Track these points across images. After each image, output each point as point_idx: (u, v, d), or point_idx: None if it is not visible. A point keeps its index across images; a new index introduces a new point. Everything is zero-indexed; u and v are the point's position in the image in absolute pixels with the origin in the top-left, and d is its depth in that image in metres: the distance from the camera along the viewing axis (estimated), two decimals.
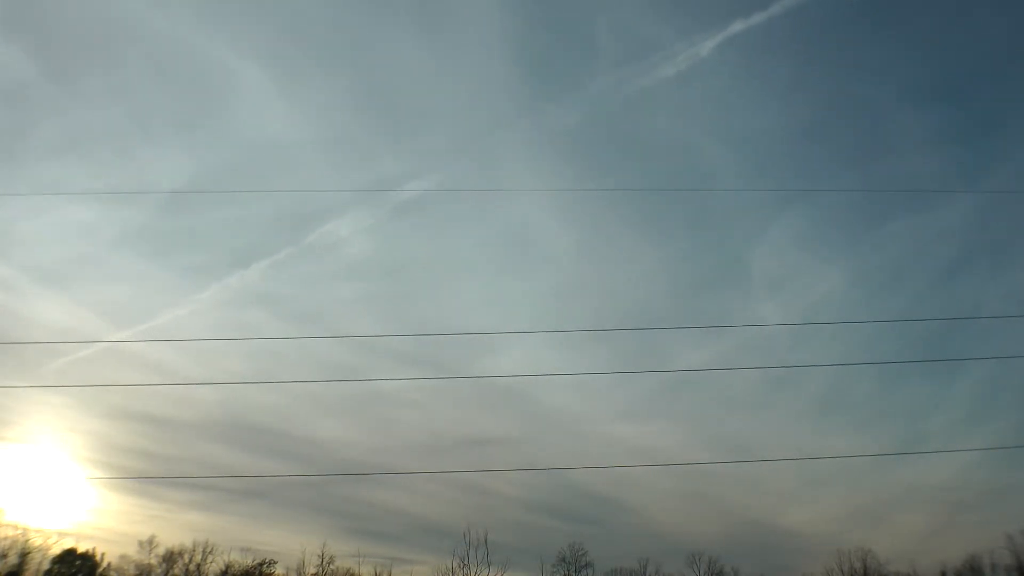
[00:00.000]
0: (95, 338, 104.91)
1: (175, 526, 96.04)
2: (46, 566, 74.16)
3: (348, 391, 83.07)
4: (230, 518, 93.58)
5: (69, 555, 76.66)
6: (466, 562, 77.97)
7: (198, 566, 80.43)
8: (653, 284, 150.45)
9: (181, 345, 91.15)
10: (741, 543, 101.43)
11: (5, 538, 71.30)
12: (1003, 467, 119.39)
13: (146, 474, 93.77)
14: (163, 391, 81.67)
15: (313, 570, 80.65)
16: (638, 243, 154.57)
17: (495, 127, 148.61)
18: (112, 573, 78.56)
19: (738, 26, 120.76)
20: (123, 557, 79.16)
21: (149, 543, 79.15)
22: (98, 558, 78.62)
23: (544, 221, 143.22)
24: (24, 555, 72.01)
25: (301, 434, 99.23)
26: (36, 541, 72.98)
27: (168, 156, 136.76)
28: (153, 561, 79.57)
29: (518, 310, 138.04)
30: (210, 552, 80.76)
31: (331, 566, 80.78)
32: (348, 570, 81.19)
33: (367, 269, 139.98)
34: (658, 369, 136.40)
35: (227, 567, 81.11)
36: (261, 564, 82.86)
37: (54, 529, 75.65)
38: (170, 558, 79.72)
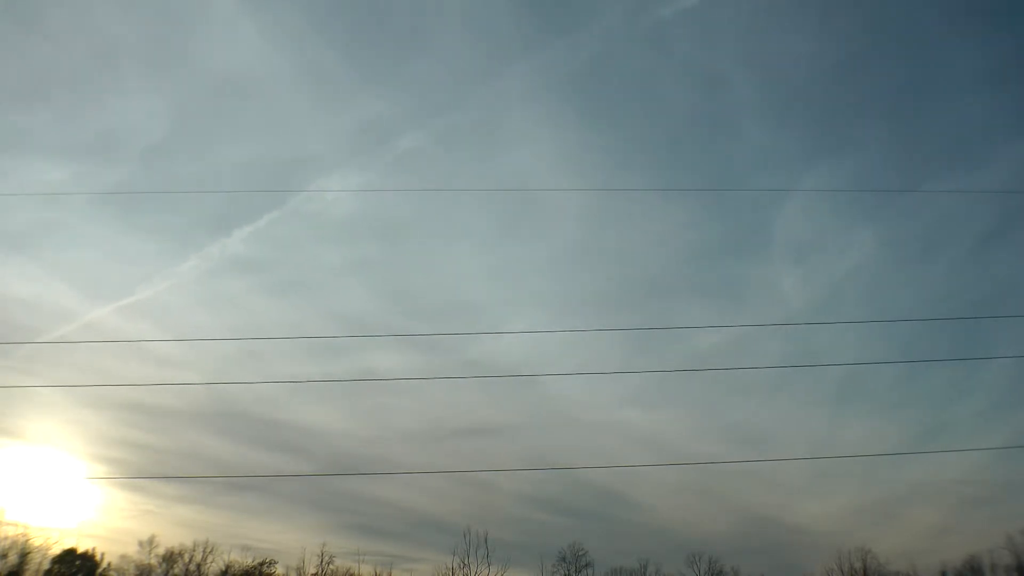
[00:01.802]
0: (72, 312, 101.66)
1: (168, 521, 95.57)
2: (46, 566, 74.13)
3: (339, 372, 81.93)
4: (224, 513, 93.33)
5: (69, 555, 76.64)
6: (466, 562, 78.13)
7: (198, 566, 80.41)
8: (665, 250, 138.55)
9: (161, 320, 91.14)
10: (747, 540, 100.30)
11: (5, 538, 71.31)
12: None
13: (138, 468, 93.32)
14: (145, 373, 78.95)
15: (313, 570, 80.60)
16: (651, 201, 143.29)
17: (494, 67, 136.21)
18: (112, 573, 78.59)
19: None
20: (123, 557, 79.26)
21: (149, 543, 79.20)
22: (98, 558, 78.68)
23: (549, 176, 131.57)
24: (24, 555, 72.02)
25: (292, 421, 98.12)
26: (36, 541, 72.92)
27: (140, 102, 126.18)
28: (153, 561, 79.62)
29: (521, 279, 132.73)
30: (210, 552, 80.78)
31: (330, 566, 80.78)
32: (348, 570, 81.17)
33: (356, 232, 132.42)
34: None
35: (227, 567, 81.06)
36: (261, 564, 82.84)
37: (53, 527, 75.62)
38: (170, 558, 79.75)
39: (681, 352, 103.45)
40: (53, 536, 74.67)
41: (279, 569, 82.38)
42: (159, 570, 79.40)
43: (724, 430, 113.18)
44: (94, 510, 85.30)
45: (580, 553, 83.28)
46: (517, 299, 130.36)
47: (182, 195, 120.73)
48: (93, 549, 78.66)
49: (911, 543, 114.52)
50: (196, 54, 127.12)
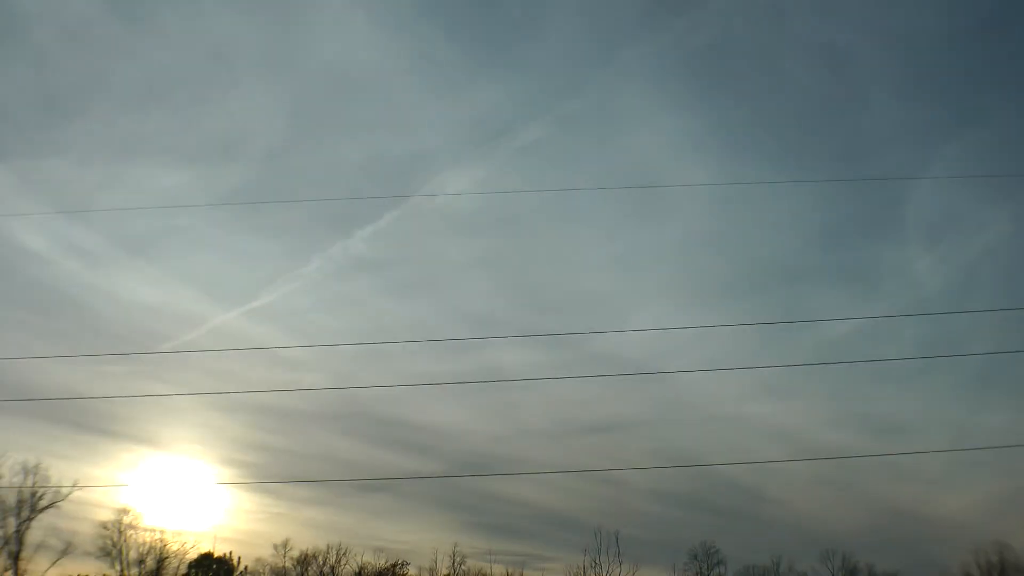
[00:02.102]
0: (198, 317, 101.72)
1: (299, 524, 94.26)
2: (183, 570, 74.10)
3: (465, 370, 77.57)
4: (354, 514, 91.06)
5: (206, 559, 76.48)
6: (597, 561, 73.93)
7: (332, 568, 78.32)
8: (793, 233, 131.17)
9: (287, 323, 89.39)
10: (881, 535, 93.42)
11: (143, 543, 71.69)
12: None
13: (268, 470, 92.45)
14: (273, 376, 77.68)
15: (445, 571, 76.46)
16: (779, 180, 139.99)
17: (610, 49, 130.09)
18: None
19: None
20: (258, 560, 78.37)
21: (284, 546, 77.84)
22: (235, 562, 78.12)
23: (671, 159, 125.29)
24: (162, 559, 72.15)
25: (419, 421, 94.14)
26: (173, 546, 73.00)
27: (256, 102, 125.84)
28: (288, 564, 78.21)
29: (645, 267, 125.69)
30: (343, 554, 78.61)
31: (463, 566, 76.32)
32: (480, 570, 76.43)
33: (478, 227, 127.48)
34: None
35: (360, 569, 78.50)
36: (394, 566, 79.76)
37: (188, 532, 75.47)
38: (304, 560, 78.13)
39: (812, 340, 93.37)
40: (189, 540, 74.51)
41: (411, 570, 78.94)
42: (294, 573, 77.89)
43: (858, 420, 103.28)
44: (225, 514, 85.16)
45: (712, 551, 79.18)
46: (642, 289, 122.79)
47: (303, 195, 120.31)
48: (229, 553, 78.26)
49: None
50: (309, 50, 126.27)
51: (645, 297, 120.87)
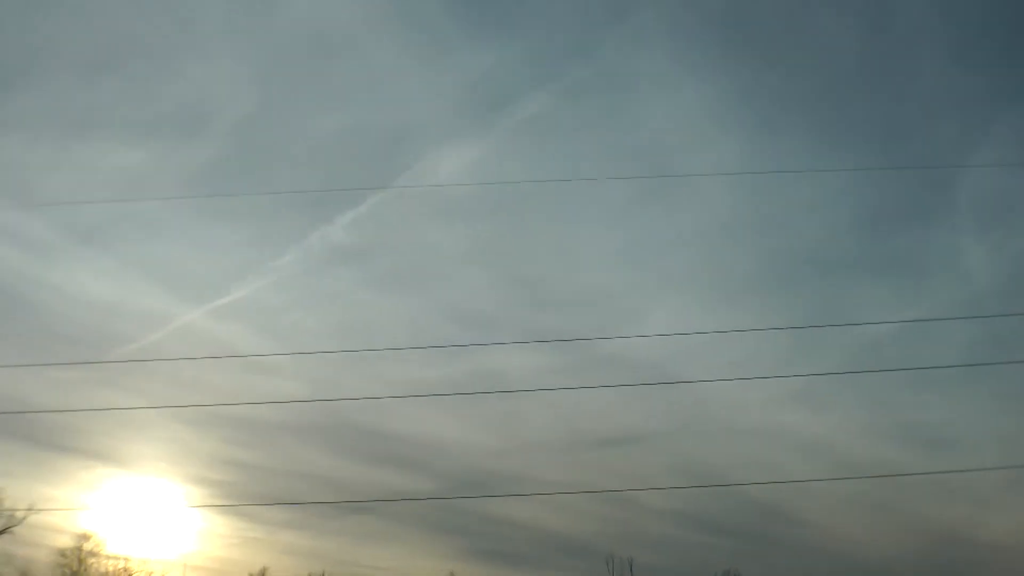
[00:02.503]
0: (161, 315, 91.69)
1: (276, 550, 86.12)
2: None
3: (460, 377, 69.59)
4: (337, 538, 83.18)
5: None
6: None
7: None
8: (827, 217, 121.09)
9: (260, 322, 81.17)
10: (928, 560, 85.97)
11: (106, 573, 64.57)
12: None
13: (240, 489, 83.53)
14: (246, 382, 69.24)
15: None
16: (810, 158, 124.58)
17: (623, 4, 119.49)
18: None
19: None
20: None
21: None
22: None
23: (690, 131, 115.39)
24: None
25: (408, 432, 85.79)
26: (139, 573, 65.88)
27: (223, 68, 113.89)
28: None
29: (661, 257, 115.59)
30: None
31: None
32: None
33: (473, 212, 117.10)
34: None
35: None
36: None
37: (156, 559, 68.08)
38: None
39: (850, 341, 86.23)
40: (156, 571, 67.20)
41: None
42: None
43: (901, 431, 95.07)
44: (196, 538, 77.41)
45: None
46: (657, 281, 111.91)
47: (276, 175, 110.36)
48: None
49: None
50: (279, 8, 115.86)
51: (661, 291, 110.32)
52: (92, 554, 63.73)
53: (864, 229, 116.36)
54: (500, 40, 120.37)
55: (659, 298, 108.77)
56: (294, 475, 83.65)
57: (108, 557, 64.06)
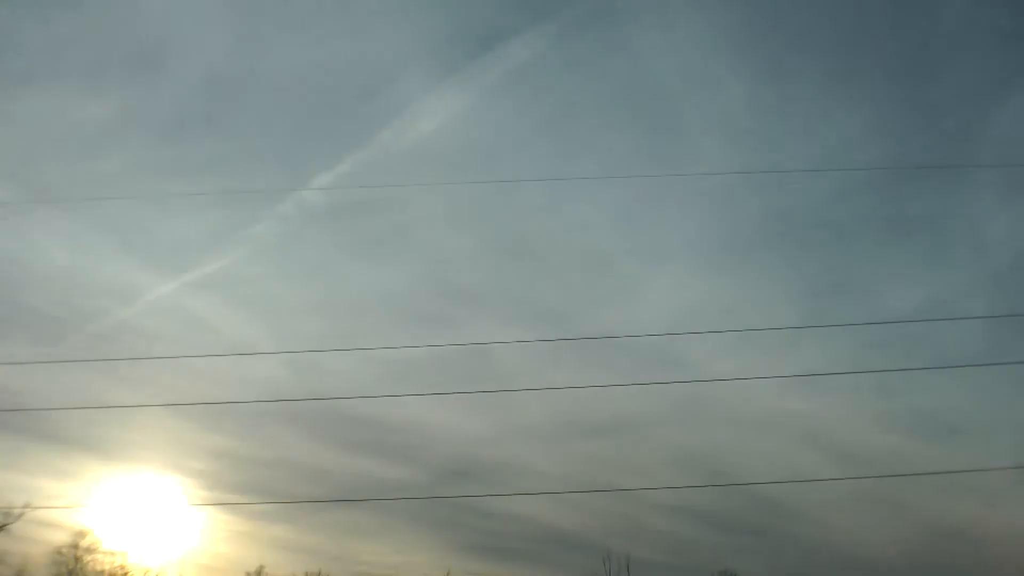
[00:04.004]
0: (132, 288, 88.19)
1: (266, 544, 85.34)
2: None
3: (449, 352, 68.38)
4: (325, 531, 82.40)
5: None
6: None
7: None
8: (836, 171, 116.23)
9: (239, 294, 79.23)
10: (935, 558, 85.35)
11: (102, 571, 64.51)
12: None
13: (224, 480, 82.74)
14: (224, 364, 66.85)
15: None
16: (819, 103, 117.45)
17: None
18: None
19: None
20: None
21: (257, 574, 70.64)
22: None
23: (691, 72, 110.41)
24: None
25: (398, 418, 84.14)
26: (135, 573, 65.81)
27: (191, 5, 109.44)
28: None
29: (659, 218, 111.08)
30: None
31: None
32: None
33: (459, 169, 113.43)
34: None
35: None
36: None
37: (151, 555, 67.91)
38: None
39: (863, 316, 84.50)
40: (152, 569, 67.15)
41: None
42: None
43: (911, 419, 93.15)
44: (184, 533, 77.09)
45: None
46: (655, 246, 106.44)
47: (251, 130, 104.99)
48: None
49: None
50: None
51: (658, 255, 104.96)
52: (89, 551, 63.79)
53: (877, 187, 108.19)
54: None
55: (657, 263, 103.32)
56: (280, 464, 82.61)
57: (105, 554, 64.06)
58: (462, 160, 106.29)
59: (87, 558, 62.74)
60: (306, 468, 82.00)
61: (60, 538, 64.40)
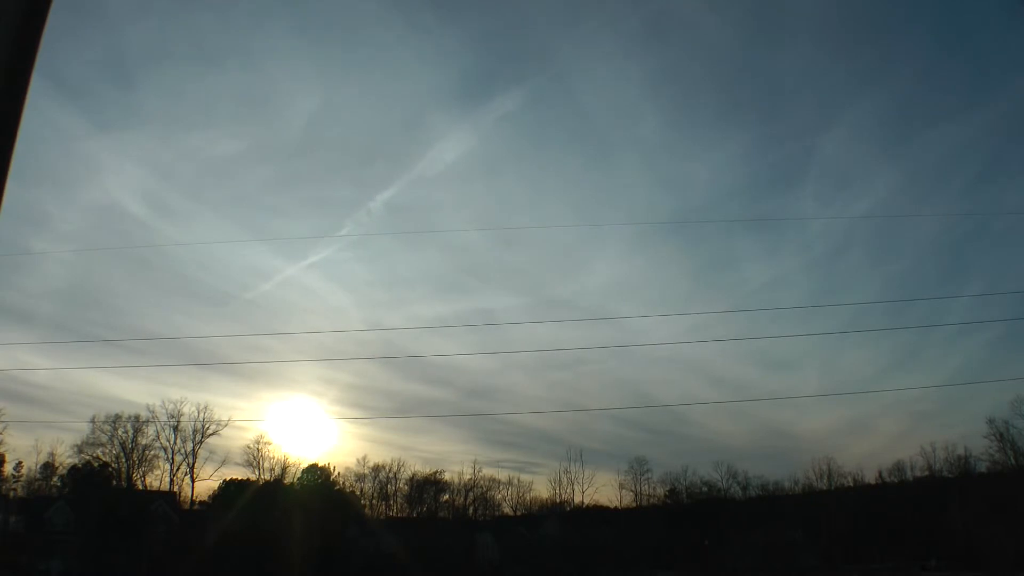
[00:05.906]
0: (268, 271, 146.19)
1: (364, 440, 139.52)
2: (298, 475, 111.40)
3: (466, 312, 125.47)
4: (397, 432, 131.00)
5: (313, 468, 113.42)
6: (570, 468, 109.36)
7: (395, 474, 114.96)
8: (723, 181, 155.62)
9: (332, 277, 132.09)
10: (762, 448, 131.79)
11: (273, 457, 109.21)
12: None
13: (343, 399, 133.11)
14: (333, 323, 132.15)
15: (468, 475, 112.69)
16: (717, 124, 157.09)
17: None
18: (340, 480, 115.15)
19: None
20: (347, 468, 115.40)
21: (363, 460, 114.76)
22: (331, 469, 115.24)
23: (625, 103, 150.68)
24: (284, 468, 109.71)
25: (436, 359, 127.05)
26: (291, 459, 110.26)
27: (291, 66, 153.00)
28: (366, 471, 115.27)
29: (601, 212, 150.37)
30: (402, 465, 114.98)
31: (480, 472, 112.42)
32: (491, 477, 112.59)
33: (471, 185, 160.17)
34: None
35: (413, 475, 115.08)
36: (435, 473, 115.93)
37: (301, 447, 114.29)
38: (376, 469, 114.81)
39: (733, 285, 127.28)
40: (302, 454, 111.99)
41: (447, 475, 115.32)
42: (369, 478, 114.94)
43: (756, 357, 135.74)
44: (320, 435, 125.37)
45: (643, 463, 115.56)
46: (597, 235, 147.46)
47: (336, 161, 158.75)
48: (328, 464, 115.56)
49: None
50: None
51: (602, 242, 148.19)
52: (265, 445, 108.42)
53: (742, 195, 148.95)
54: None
55: (601, 248, 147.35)
56: (368, 390, 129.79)
57: (274, 446, 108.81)
58: (473, 180, 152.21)
59: (265, 452, 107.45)
60: (384, 391, 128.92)
61: (248, 439, 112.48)
